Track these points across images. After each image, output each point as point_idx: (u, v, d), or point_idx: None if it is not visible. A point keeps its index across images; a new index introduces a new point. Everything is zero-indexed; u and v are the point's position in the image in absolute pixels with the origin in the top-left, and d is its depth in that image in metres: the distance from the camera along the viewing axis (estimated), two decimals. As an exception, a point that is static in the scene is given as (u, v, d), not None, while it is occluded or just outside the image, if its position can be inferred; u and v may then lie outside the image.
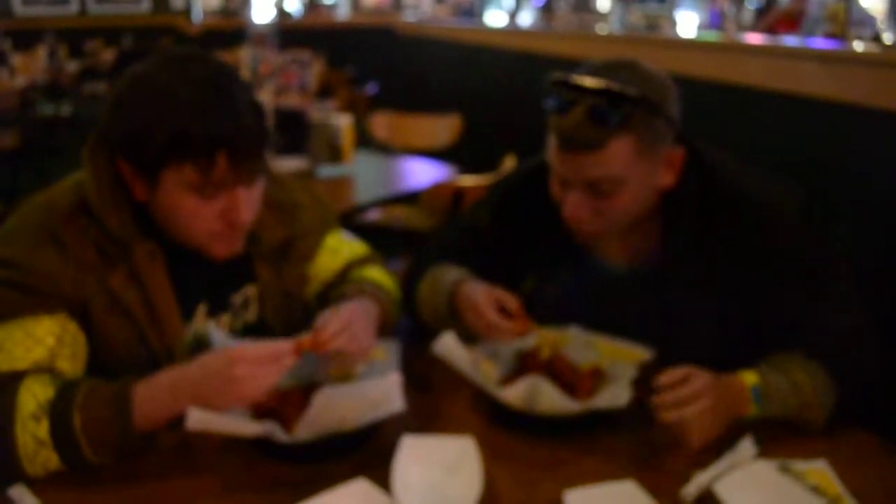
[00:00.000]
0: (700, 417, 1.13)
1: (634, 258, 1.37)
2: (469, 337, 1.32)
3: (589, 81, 1.18)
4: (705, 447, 1.14)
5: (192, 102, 1.08)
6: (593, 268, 1.40)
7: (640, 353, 1.28)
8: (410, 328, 1.52)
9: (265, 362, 1.09)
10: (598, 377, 1.27)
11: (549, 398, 1.16)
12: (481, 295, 1.32)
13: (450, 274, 1.41)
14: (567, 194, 1.26)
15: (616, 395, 1.16)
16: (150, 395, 1.08)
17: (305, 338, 1.16)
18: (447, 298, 1.38)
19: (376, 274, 1.46)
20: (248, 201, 1.17)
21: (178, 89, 1.09)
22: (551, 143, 1.25)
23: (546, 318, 1.39)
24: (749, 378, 1.20)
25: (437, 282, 1.42)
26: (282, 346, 1.12)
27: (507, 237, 1.45)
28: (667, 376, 1.15)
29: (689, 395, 1.13)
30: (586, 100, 1.18)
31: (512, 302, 1.31)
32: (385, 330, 1.35)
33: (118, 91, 1.14)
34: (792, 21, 6.47)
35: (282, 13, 8.92)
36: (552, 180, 1.29)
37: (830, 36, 3.77)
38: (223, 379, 1.07)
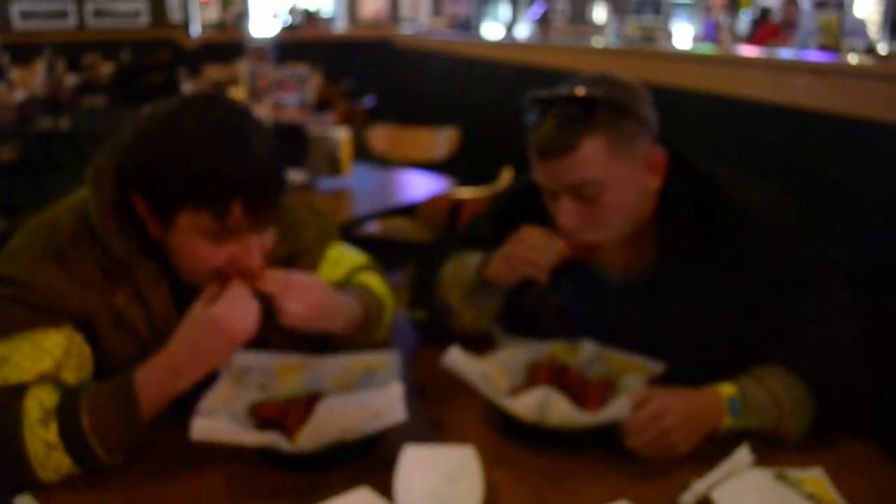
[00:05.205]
0: (660, 439, 1.15)
1: (632, 268, 1.38)
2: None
3: (557, 93, 1.23)
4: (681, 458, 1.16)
5: (212, 148, 1.10)
6: (593, 278, 1.42)
7: (650, 368, 1.28)
8: (412, 340, 1.54)
9: (236, 294, 1.13)
10: (608, 390, 1.27)
11: (560, 410, 1.17)
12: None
13: (475, 254, 1.44)
14: (557, 205, 1.28)
15: (624, 408, 1.17)
16: (151, 378, 1.11)
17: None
18: (477, 269, 1.40)
19: (370, 279, 1.47)
20: (259, 248, 1.19)
21: (199, 134, 1.10)
22: (532, 157, 1.28)
23: (551, 329, 1.41)
24: (726, 389, 1.21)
25: (462, 260, 1.45)
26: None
27: None
28: (631, 398, 1.17)
29: (648, 418, 1.15)
30: (555, 109, 1.23)
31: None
32: (361, 330, 1.36)
33: (139, 129, 1.15)
34: (775, 30, 6.52)
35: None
36: (545, 197, 1.32)
37: (824, 48, 3.80)
38: (209, 327, 1.10)
